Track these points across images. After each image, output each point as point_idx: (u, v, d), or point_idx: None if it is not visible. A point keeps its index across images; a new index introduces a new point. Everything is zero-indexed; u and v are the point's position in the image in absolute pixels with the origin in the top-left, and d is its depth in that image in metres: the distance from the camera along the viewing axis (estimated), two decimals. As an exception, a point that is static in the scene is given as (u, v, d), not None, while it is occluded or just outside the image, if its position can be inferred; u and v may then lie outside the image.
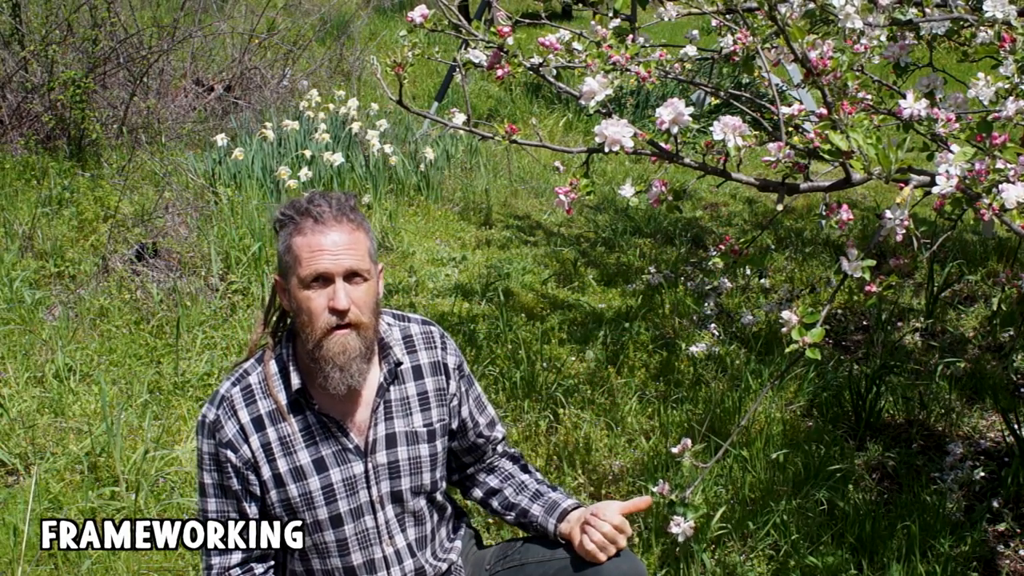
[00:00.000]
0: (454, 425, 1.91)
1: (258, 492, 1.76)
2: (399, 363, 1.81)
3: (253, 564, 1.78)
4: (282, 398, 1.75)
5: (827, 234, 5.18)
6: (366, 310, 1.71)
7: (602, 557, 1.76)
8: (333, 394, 1.73)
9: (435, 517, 1.89)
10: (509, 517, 1.95)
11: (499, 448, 2.01)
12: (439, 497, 1.88)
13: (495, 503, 1.97)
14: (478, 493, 2.00)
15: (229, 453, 1.73)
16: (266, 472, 1.74)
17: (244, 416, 1.74)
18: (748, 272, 4.50)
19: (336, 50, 8.43)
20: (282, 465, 1.74)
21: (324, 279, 1.67)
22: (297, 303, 1.69)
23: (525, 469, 1.99)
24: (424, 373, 1.85)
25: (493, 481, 1.98)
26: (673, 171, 5.88)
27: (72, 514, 2.78)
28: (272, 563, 1.81)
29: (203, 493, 1.77)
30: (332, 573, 1.81)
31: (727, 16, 2.10)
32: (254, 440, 1.73)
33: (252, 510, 1.76)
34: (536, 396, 3.39)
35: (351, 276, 1.69)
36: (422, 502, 1.84)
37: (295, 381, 1.74)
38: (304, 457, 1.75)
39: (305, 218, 1.69)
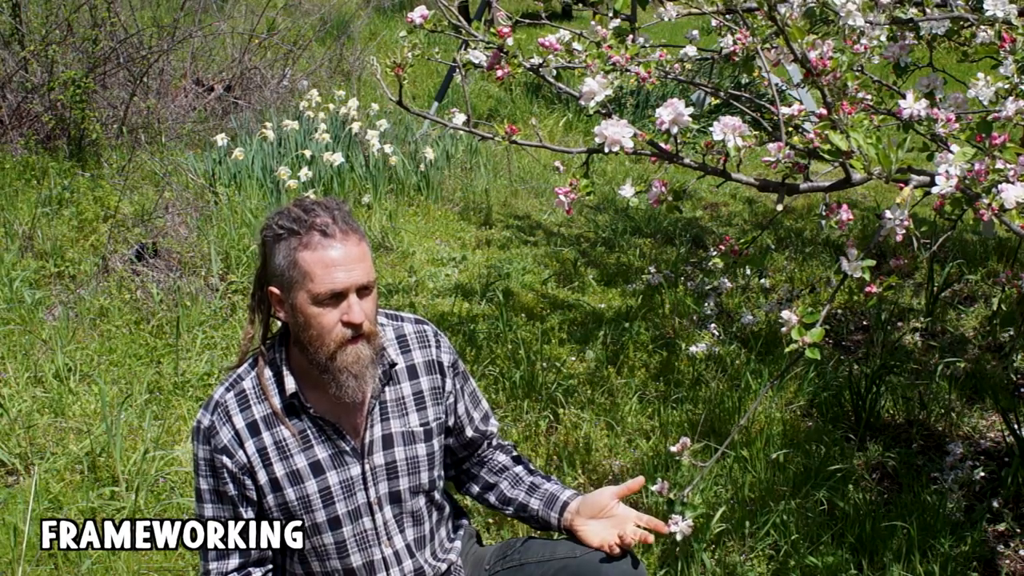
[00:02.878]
0: (450, 422, 1.91)
1: (255, 497, 1.75)
2: (393, 364, 1.81)
3: (251, 569, 1.78)
4: (277, 402, 1.74)
5: (827, 234, 5.18)
6: (374, 319, 1.71)
7: (616, 551, 1.78)
8: (329, 397, 1.73)
9: (434, 516, 1.89)
10: (508, 511, 1.95)
11: (493, 442, 2.01)
12: (437, 496, 1.89)
13: (492, 497, 1.97)
14: (474, 488, 2.00)
15: (224, 459, 1.72)
16: (262, 477, 1.74)
17: (239, 421, 1.73)
18: (748, 272, 4.50)
19: (336, 50, 8.43)
20: (278, 469, 1.74)
21: (338, 295, 1.66)
22: (305, 319, 1.67)
23: (518, 461, 1.99)
24: (419, 372, 1.85)
25: (488, 475, 1.98)
26: (673, 171, 5.88)
27: (72, 514, 2.78)
28: (270, 567, 1.81)
29: (200, 499, 1.77)
30: (332, 575, 1.81)
31: (727, 16, 2.10)
32: (249, 445, 1.73)
33: (249, 515, 1.76)
34: (536, 396, 3.39)
35: (362, 289, 1.68)
36: (421, 502, 1.84)
37: (290, 385, 1.73)
38: (301, 461, 1.74)
39: (310, 232, 1.65)
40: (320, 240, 1.64)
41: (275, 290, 1.71)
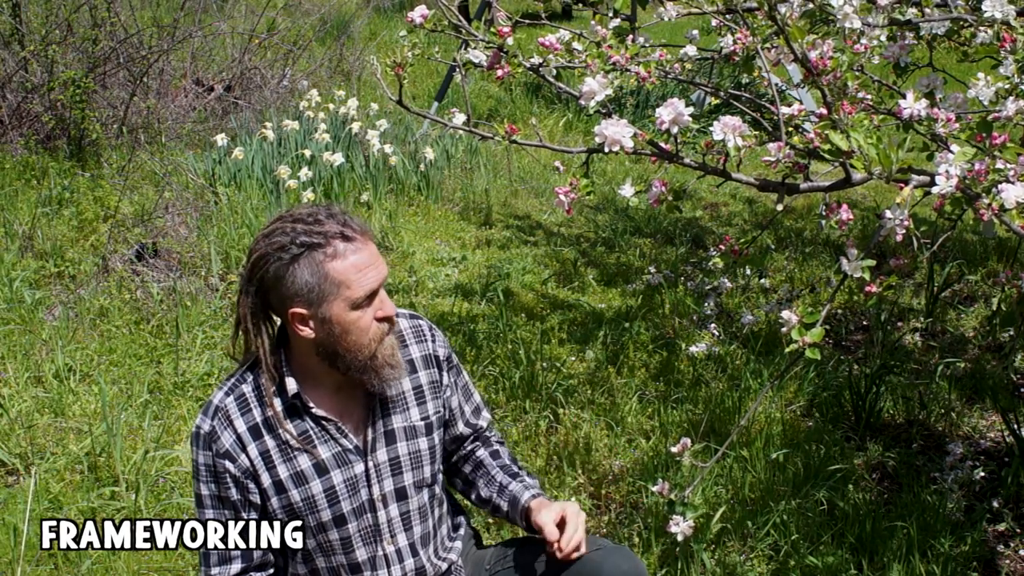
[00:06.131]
0: (445, 416, 1.92)
1: (258, 500, 1.75)
2: None
3: (252, 574, 1.78)
4: (278, 404, 1.74)
5: (827, 234, 5.18)
6: None
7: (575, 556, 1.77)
8: (331, 396, 1.74)
9: (436, 512, 1.90)
10: (486, 510, 1.99)
11: (480, 436, 2.02)
12: (438, 489, 1.90)
13: (472, 496, 2.00)
14: (458, 483, 2.03)
15: (227, 463, 1.72)
16: (266, 480, 1.74)
17: (240, 425, 1.73)
18: (748, 272, 4.50)
19: (336, 50, 8.43)
20: (282, 471, 1.74)
21: (372, 295, 1.68)
22: (343, 326, 1.66)
23: (496, 455, 1.99)
24: (417, 367, 1.86)
25: (469, 472, 1.99)
26: (673, 171, 5.88)
27: (72, 514, 2.78)
28: (272, 572, 1.81)
29: (200, 504, 1.76)
30: (337, 571, 1.81)
31: (727, 16, 2.10)
32: (252, 449, 1.73)
33: (251, 518, 1.75)
34: (536, 396, 3.39)
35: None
36: (425, 496, 1.85)
37: (291, 386, 1.73)
38: (304, 462, 1.74)
39: (331, 241, 1.63)
40: (345, 247, 1.64)
41: (299, 310, 1.66)
